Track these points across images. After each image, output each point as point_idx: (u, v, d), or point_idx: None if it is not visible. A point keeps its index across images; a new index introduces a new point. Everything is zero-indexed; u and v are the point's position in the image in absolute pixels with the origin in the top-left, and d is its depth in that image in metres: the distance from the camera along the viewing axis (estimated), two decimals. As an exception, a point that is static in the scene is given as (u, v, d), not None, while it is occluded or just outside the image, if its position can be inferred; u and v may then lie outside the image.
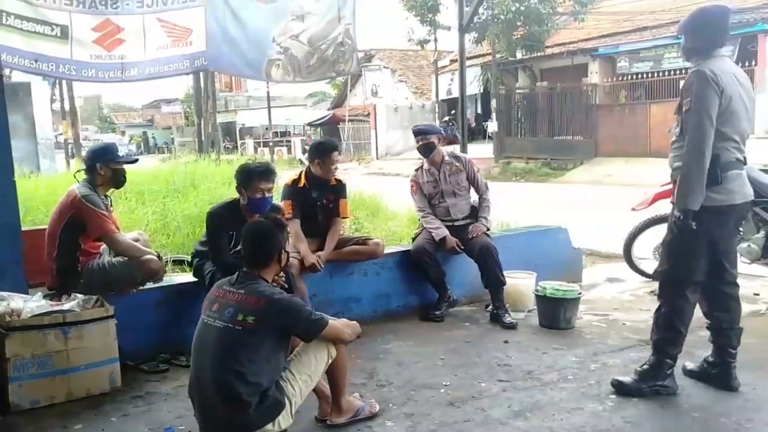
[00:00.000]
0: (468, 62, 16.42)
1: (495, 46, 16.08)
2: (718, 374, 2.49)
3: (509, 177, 14.35)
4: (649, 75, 14.15)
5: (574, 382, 2.62)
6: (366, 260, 3.51)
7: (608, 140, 14.58)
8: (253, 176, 2.80)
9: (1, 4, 3.09)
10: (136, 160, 3.51)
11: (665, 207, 3.53)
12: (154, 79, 3.55)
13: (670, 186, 2.50)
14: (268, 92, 22.24)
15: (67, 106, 18.08)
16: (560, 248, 4.34)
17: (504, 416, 2.31)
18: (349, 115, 23.07)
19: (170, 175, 6.76)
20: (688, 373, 2.60)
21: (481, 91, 19.48)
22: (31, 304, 2.55)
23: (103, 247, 2.96)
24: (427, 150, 3.71)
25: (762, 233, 3.77)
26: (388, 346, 3.13)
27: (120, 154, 3.04)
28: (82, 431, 2.28)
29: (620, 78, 15.16)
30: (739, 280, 2.54)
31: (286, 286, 2.63)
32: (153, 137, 39.35)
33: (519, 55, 16.63)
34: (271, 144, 23.96)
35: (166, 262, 3.51)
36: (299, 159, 20.11)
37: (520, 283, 3.68)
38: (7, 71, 7.18)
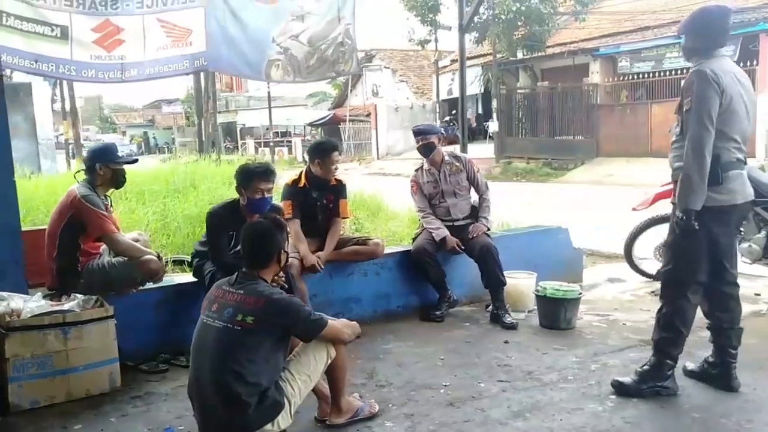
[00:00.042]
0: (469, 62, 16.42)
1: (496, 46, 16.07)
2: (719, 374, 2.49)
3: (510, 177, 14.34)
4: (651, 75, 14.14)
5: (574, 382, 2.62)
6: (366, 260, 3.50)
7: (609, 140, 14.57)
8: (252, 176, 2.80)
9: (1, 5, 3.10)
10: (136, 161, 3.51)
11: (666, 207, 3.53)
12: (153, 79, 3.55)
13: (671, 186, 2.50)
14: (268, 92, 22.25)
15: (67, 107, 18.10)
16: (561, 248, 4.33)
17: (503, 416, 2.31)
18: (349, 115, 23.08)
19: (170, 175, 6.76)
20: (689, 374, 2.59)
21: (482, 91, 19.47)
22: (31, 304, 2.55)
23: (103, 247, 2.97)
24: (427, 150, 3.70)
25: (763, 233, 3.76)
26: (388, 346, 3.13)
27: (120, 154, 3.04)
28: (81, 431, 2.28)
29: (621, 78, 15.14)
30: (740, 281, 2.53)
31: (286, 286, 2.63)
32: (154, 137, 39.41)
33: (520, 55, 16.62)
34: (271, 144, 23.98)
35: (166, 262, 3.51)
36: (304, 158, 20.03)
37: (521, 283, 3.67)
38: (8, 72, 7.20)
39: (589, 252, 5.13)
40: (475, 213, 3.76)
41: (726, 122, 2.26)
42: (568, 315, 3.36)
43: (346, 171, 15.30)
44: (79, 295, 2.67)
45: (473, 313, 3.71)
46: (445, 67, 20.78)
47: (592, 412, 2.33)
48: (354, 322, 2.28)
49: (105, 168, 2.88)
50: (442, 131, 4.93)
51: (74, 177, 2.99)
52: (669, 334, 2.41)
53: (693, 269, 2.35)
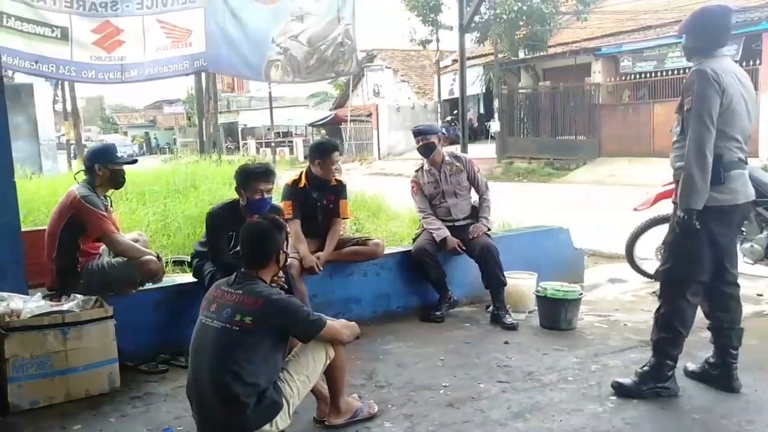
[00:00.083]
0: (470, 62, 16.40)
1: (497, 45, 16.05)
2: (719, 375, 2.48)
3: (512, 177, 14.32)
4: (653, 74, 14.09)
5: (575, 383, 2.61)
6: (366, 261, 3.50)
7: (611, 140, 14.53)
8: (252, 177, 2.80)
9: (2, 6, 3.10)
10: (136, 161, 3.51)
11: (667, 207, 3.51)
12: (153, 80, 3.55)
13: (672, 186, 2.49)
14: (270, 93, 22.29)
15: (69, 107, 18.16)
16: (562, 249, 4.32)
17: (503, 417, 2.30)
18: (351, 116, 23.08)
19: (171, 175, 6.76)
20: (689, 374, 2.58)
21: (484, 91, 19.45)
22: (31, 304, 2.55)
23: (103, 247, 2.97)
24: (427, 150, 3.70)
25: (765, 233, 3.74)
26: (388, 346, 3.13)
27: (119, 154, 3.05)
28: (80, 431, 2.28)
29: (623, 77, 15.10)
30: (741, 281, 2.53)
31: (286, 286, 2.63)
32: (155, 138, 39.47)
33: (521, 55, 16.60)
34: (273, 144, 24.01)
35: (166, 262, 3.51)
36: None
37: (521, 283, 3.67)
38: (9, 73, 7.21)
39: (591, 252, 5.11)
40: (476, 213, 3.75)
41: (727, 122, 2.26)
42: (568, 315, 3.35)
43: (347, 171, 15.31)
44: (78, 296, 2.67)
45: (473, 313, 3.70)
46: (446, 67, 20.77)
47: (592, 413, 2.32)
48: (353, 323, 2.28)
49: (104, 168, 2.88)
50: (443, 131, 4.93)
51: (74, 178, 3.00)
52: (667, 334, 2.40)
53: (693, 269, 2.34)
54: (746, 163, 2.39)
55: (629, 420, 2.25)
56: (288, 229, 2.31)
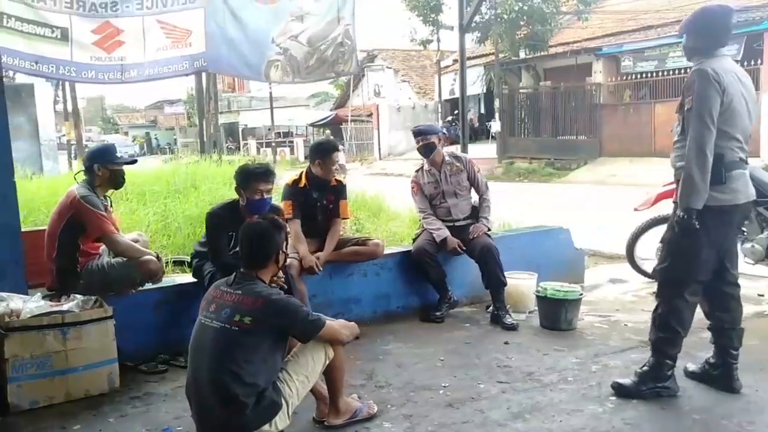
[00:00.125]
0: (471, 62, 16.35)
1: (498, 45, 16.04)
2: (720, 376, 2.47)
3: (512, 177, 14.31)
4: (654, 74, 14.07)
5: (575, 383, 2.60)
6: (366, 261, 3.50)
7: (612, 140, 14.51)
8: (251, 177, 2.80)
9: (2, 7, 3.11)
10: (135, 161, 3.51)
11: (668, 207, 3.50)
12: (153, 80, 3.55)
13: (673, 186, 2.48)
14: (270, 93, 22.29)
15: (70, 108, 18.17)
16: (562, 249, 4.31)
17: (503, 418, 2.30)
18: (351, 116, 23.08)
19: (172, 175, 6.77)
20: (690, 375, 2.58)
21: (484, 90, 19.44)
22: (31, 304, 2.55)
23: (103, 248, 2.97)
24: (427, 150, 3.69)
25: (766, 234, 3.73)
26: (388, 347, 3.12)
27: (119, 155, 3.05)
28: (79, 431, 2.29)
29: (624, 77, 15.09)
30: (742, 281, 2.52)
31: (286, 287, 2.63)
32: (156, 138, 39.50)
33: (522, 55, 16.58)
34: (273, 144, 24.01)
35: (166, 263, 3.51)
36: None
37: (522, 283, 3.66)
38: (11, 73, 7.21)
39: (591, 252, 5.11)
40: (476, 213, 3.75)
41: (728, 122, 2.25)
42: (568, 316, 3.34)
43: (348, 171, 15.29)
44: (78, 296, 2.67)
45: (474, 313, 3.70)
46: (447, 67, 20.76)
47: (592, 413, 2.32)
48: (352, 323, 2.28)
49: (103, 169, 2.89)
50: (444, 131, 4.91)
51: (74, 178, 3.00)
52: (666, 334, 2.39)
53: (691, 269, 2.34)
54: (747, 163, 2.39)
55: (629, 420, 2.25)
56: (288, 229, 2.31)
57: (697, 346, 2.79)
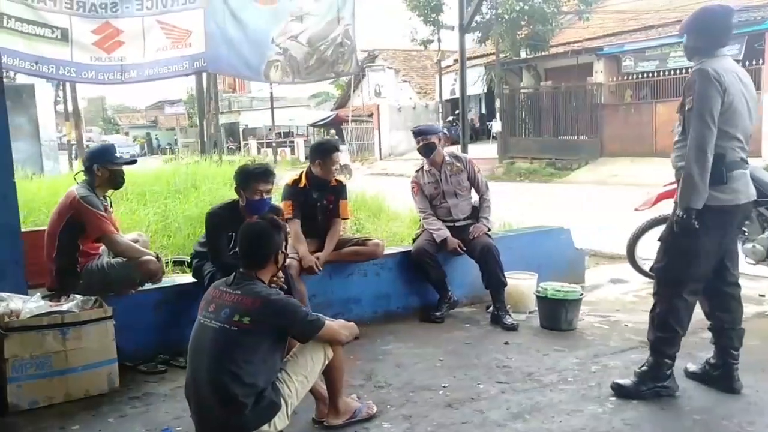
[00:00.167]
0: (472, 62, 16.32)
1: (499, 45, 16.04)
2: (720, 376, 2.46)
3: (513, 177, 14.30)
4: (655, 74, 14.06)
5: (575, 383, 2.60)
6: (365, 261, 3.49)
7: (613, 140, 14.50)
8: (251, 178, 2.80)
9: (2, 7, 3.11)
10: (135, 161, 3.51)
11: (669, 207, 3.49)
12: (153, 80, 3.55)
13: (674, 186, 2.48)
14: (271, 93, 22.32)
15: (70, 108, 18.19)
16: (562, 249, 4.31)
17: (502, 418, 2.29)
18: (352, 116, 23.09)
19: (172, 176, 6.78)
20: (690, 375, 2.57)
21: (485, 91, 19.43)
22: (30, 304, 2.55)
23: (102, 248, 2.97)
24: (427, 150, 3.69)
25: (767, 234, 3.72)
26: (388, 347, 3.12)
27: (119, 155, 3.05)
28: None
29: (625, 77, 15.07)
30: (743, 282, 2.52)
31: (286, 287, 2.63)
32: (156, 138, 39.52)
33: (523, 55, 16.58)
34: (274, 145, 24.03)
35: (166, 263, 3.51)
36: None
37: (522, 284, 3.66)
38: (12, 74, 7.21)
39: (592, 252, 5.10)
40: (476, 213, 3.74)
41: (728, 121, 2.25)
42: (569, 316, 3.34)
43: (353, 172, 15.32)
44: (78, 296, 2.67)
45: (474, 314, 3.69)
46: (448, 67, 20.75)
47: (592, 413, 2.31)
48: (351, 323, 2.27)
49: (103, 169, 2.89)
50: (445, 131, 4.91)
51: (74, 178, 3.00)
52: (664, 333, 2.39)
53: (690, 268, 2.33)
54: (747, 163, 2.38)
55: (629, 421, 2.24)
56: (287, 229, 2.30)
57: (697, 347, 2.78)
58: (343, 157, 16.37)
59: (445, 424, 2.25)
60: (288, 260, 2.52)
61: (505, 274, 3.51)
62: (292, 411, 2.07)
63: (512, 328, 3.35)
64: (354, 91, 23.96)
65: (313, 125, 27.56)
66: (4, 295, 2.56)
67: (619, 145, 14.23)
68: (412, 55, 24.52)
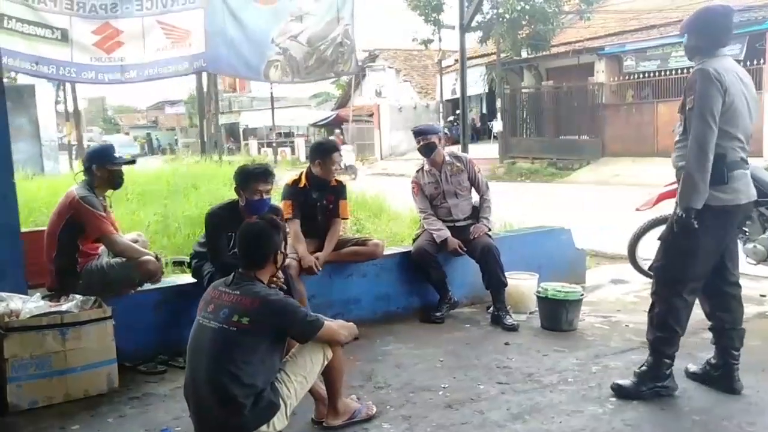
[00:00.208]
0: (473, 62, 16.30)
1: (500, 45, 16.03)
2: (721, 376, 2.46)
3: (514, 177, 14.28)
4: (657, 74, 14.04)
5: (575, 384, 2.59)
6: (365, 261, 3.49)
7: (615, 140, 14.48)
8: (251, 178, 2.80)
9: (2, 8, 3.11)
10: (134, 162, 3.51)
11: (670, 207, 3.48)
12: (153, 80, 3.55)
13: (675, 186, 2.47)
14: (271, 93, 22.33)
15: (71, 108, 18.23)
16: (563, 249, 4.30)
17: (502, 419, 2.29)
18: (353, 116, 23.09)
19: (172, 176, 6.79)
20: (691, 376, 2.56)
21: (486, 90, 19.42)
22: (30, 304, 2.55)
23: (102, 248, 2.97)
24: (427, 150, 3.69)
25: (768, 234, 3.71)
26: (388, 347, 3.12)
27: (118, 155, 3.04)
28: (78, 432, 2.29)
29: (627, 77, 15.06)
30: (744, 282, 2.51)
31: (285, 287, 2.62)
32: (157, 138, 39.55)
33: (524, 54, 16.57)
34: (274, 145, 24.04)
35: (166, 263, 3.51)
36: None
37: (522, 284, 3.65)
38: (12, 74, 7.21)
39: (593, 253, 5.09)
40: (477, 213, 3.74)
41: (729, 121, 2.24)
42: (569, 316, 3.33)
43: (357, 172, 15.32)
44: (77, 296, 2.67)
45: (474, 314, 3.69)
46: (448, 66, 20.74)
47: (592, 414, 2.31)
48: (351, 324, 2.27)
49: (101, 169, 2.89)
50: (445, 131, 4.92)
51: (74, 179, 3.00)
52: (663, 333, 2.38)
53: (690, 268, 2.33)
54: (748, 163, 2.38)
55: (629, 421, 2.24)
56: (287, 230, 2.30)
57: (698, 347, 2.78)
58: (347, 157, 16.38)
59: (445, 425, 2.25)
60: (287, 260, 2.52)
61: (506, 274, 3.50)
62: (291, 411, 2.07)
63: (512, 328, 3.34)
64: (355, 91, 23.96)
65: (314, 125, 27.56)
66: (4, 295, 2.56)
67: (621, 145, 14.21)
68: (412, 54, 24.51)
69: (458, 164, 3.75)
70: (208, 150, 14.93)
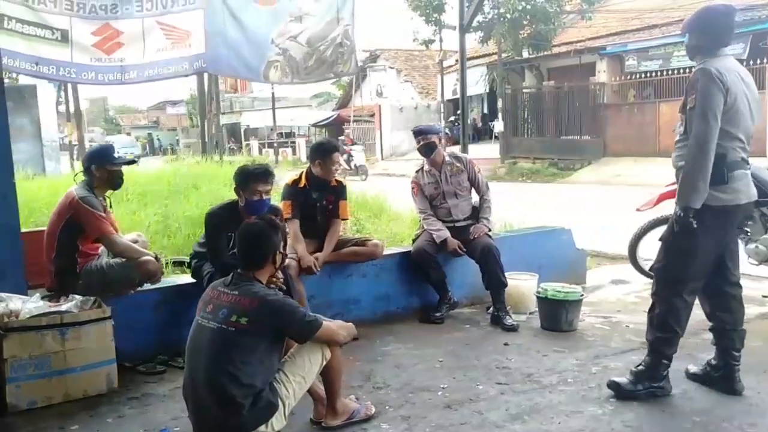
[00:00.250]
0: (474, 62, 16.29)
1: (501, 45, 16.00)
2: (721, 377, 2.45)
3: (516, 177, 14.27)
4: (658, 73, 14.01)
5: (574, 385, 2.59)
6: (365, 261, 3.48)
7: (616, 140, 14.45)
8: (250, 178, 2.79)
9: (3, 9, 3.12)
10: (134, 162, 3.51)
11: (671, 208, 3.47)
12: (153, 81, 3.55)
13: (675, 186, 2.46)
14: (272, 93, 22.35)
15: (72, 109, 18.26)
16: (563, 249, 4.29)
17: (501, 419, 2.28)
18: (354, 116, 23.09)
19: (173, 176, 6.80)
20: (691, 377, 2.55)
21: (488, 90, 19.40)
22: (30, 305, 2.56)
23: (102, 248, 2.97)
24: (427, 150, 3.68)
25: (769, 234, 3.69)
26: (387, 348, 3.11)
27: (119, 155, 3.05)
28: (78, 432, 2.29)
29: (628, 77, 15.02)
30: (746, 282, 2.51)
31: (284, 287, 2.62)
32: (158, 139, 39.60)
33: (525, 54, 16.54)
34: (275, 145, 24.06)
35: (166, 263, 3.51)
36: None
37: (522, 284, 3.64)
38: (14, 75, 7.23)
39: (594, 253, 5.08)
40: (476, 214, 3.73)
41: (731, 121, 2.24)
42: (569, 317, 3.32)
43: (368, 171, 15.28)
44: (77, 296, 2.67)
45: (474, 314, 3.68)
46: (449, 66, 20.70)
47: (592, 415, 2.30)
48: (350, 324, 2.27)
49: (101, 169, 2.89)
50: (446, 131, 4.92)
51: (74, 179, 3.01)
52: (663, 333, 2.38)
53: (690, 268, 2.32)
54: (748, 164, 2.37)
55: (629, 422, 2.23)
56: (286, 230, 2.30)
57: (698, 348, 2.77)
58: (358, 157, 16.30)
59: (444, 425, 2.24)
60: (287, 260, 2.52)
61: (506, 274, 3.50)
62: (290, 412, 2.07)
63: (512, 328, 3.34)
64: (355, 91, 23.95)
65: (315, 125, 27.58)
66: (3, 295, 2.57)
67: (622, 145, 14.18)
68: (413, 55, 24.50)
69: (458, 164, 3.74)
70: (209, 150, 14.95)
